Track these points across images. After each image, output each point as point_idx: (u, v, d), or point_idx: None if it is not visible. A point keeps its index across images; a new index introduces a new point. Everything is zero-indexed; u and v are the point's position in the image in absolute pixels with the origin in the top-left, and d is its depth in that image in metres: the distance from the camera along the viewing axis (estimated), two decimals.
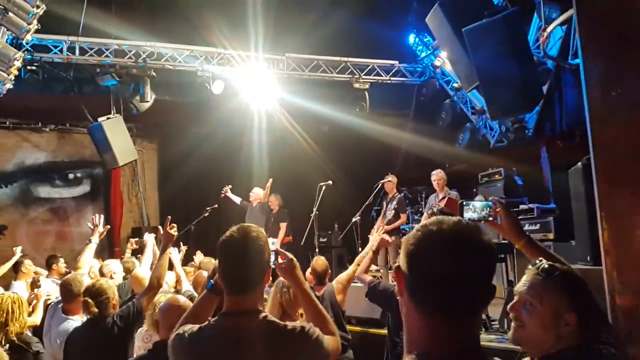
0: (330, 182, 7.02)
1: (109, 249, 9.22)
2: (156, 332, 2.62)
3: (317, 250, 7.31)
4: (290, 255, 2.02)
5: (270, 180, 8.09)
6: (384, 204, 7.20)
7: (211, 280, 1.98)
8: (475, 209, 1.92)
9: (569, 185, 4.67)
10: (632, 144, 2.33)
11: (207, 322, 1.79)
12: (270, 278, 1.99)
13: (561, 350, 1.53)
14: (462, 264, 0.97)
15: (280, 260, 2.00)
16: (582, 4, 2.50)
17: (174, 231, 3.10)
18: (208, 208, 8.24)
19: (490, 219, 1.88)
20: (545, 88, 6.55)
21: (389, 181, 7.08)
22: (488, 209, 1.89)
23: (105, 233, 4.28)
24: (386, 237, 4.01)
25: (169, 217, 3.11)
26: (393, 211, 6.38)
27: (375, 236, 4.17)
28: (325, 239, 8.67)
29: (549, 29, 4.23)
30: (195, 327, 1.78)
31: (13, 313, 3.61)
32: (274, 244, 2.17)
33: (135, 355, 2.91)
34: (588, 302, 1.58)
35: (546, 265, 1.60)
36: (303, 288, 1.97)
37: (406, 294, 1.01)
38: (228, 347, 1.72)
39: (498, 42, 4.17)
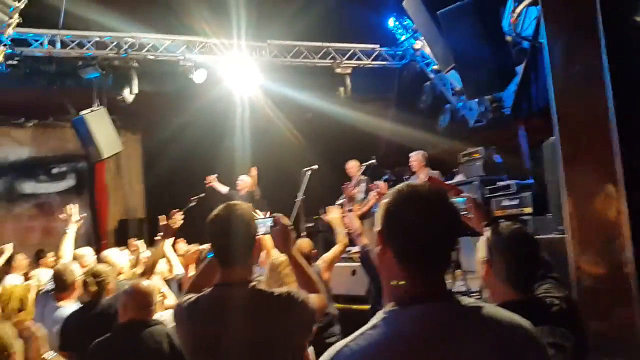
0: (315, 166, 7.13)
1: (96, 242, 9.27)
2: (123, 314, 2.75)
3: (304, 234, 7.46)
4: (287, 221, 2.17)
5: (255, 169, 8.17)
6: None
7: None
8: None
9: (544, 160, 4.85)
10: (592, 115, 2.49)
11: (202, 292, 1.94)
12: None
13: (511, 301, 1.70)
14: (434, 220, 1.14)
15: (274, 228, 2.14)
16: None
17: (176, 225, 3.26)
18: (194, 197, 8.31)
19: (464, 213, 2.04)
20: (521, 68, 6.73)
21: (351, 167, 7.31)
22: (460, 204, 2.06)
23: (81, 221, 4.35)
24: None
25: (174, 210, 3.26)
26: (364, 193, 6.57)
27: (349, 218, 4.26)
28: (312, 224, 8.81)
29: (517, 10, 4.40)
30: (193, 297, 1.95)
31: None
32: (266, 223, 2.31)
33: None
34: (514, 253, 1.73)
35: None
36: (291, 253, 2.14)
37: (387, 250, 1.16)
38: (220, 315, 1.87)
39: (471, 24, 4.32)
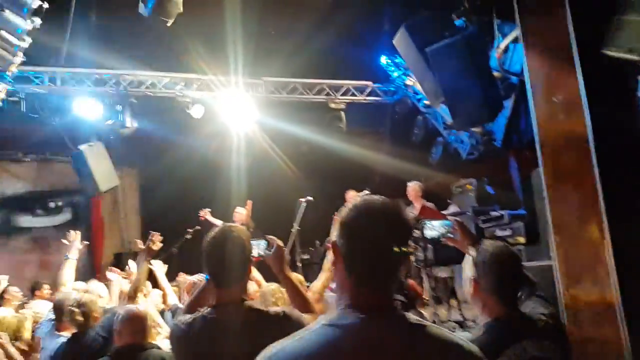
0: (310, 197, 7.20)
1: (91, 275, 9.22)
2: (118, 339, 2.78)
3: (299, 266, 7.48)
4: (280, 243, 2.24)
5: (250, 202, 8.23)
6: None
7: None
8: (434, 227, 2.19)
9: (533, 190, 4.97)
10: (573, 144, 2.61)
11: (198, 313, 1.99)
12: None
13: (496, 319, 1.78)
14: (383, 235, 1.18)
15: (269, 250, 2.21)
16: (526, 26, 2.83)
17: (155, 247, 3.26)
18: (190, 230, 8.32)
19: (450, 235, 2.14)
20: (511, 102, 6.93)
21: (351, 197, 7.40)
22: (446, 227, 2.16)
23: (83, 249, 4.36)
24: None
25: (153, 232, 3.27)
26: None
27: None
28: (307, 256, 8.83)
29: (502, 46, 4.62)
30: (189, 317, 1.99)
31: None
32: (259, 245, 2.36)
33: None
34: (498, 272, 1.81)
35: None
36: (285, 274, 2.20)
37: (339, 260, 1.21)
38: (217, 334, 1.92)
39: (458, 59, 4.51)
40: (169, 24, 5.18)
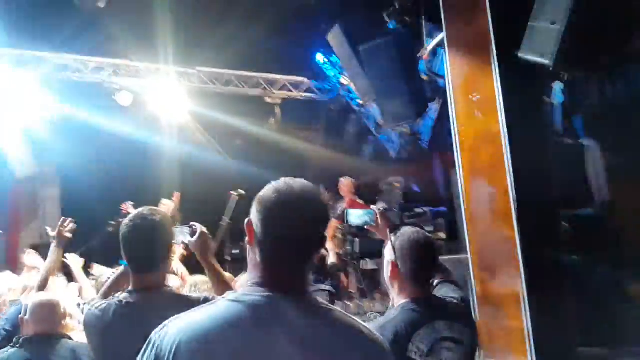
0: (242, 191, 7.14)
1: (7, 267, 8.67)
2: (27, 329, 2.66)
3: (228, 260, 7.42)
4: (204, 229, 2.21)
5: (178, 194, 8.04)
6: None
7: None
8: (358, 216, 2.29)
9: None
10: (488, 139, 2.78)
11: (113, 298, 1.93)
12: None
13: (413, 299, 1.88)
14: (301, 217, 1.18)
15: (192, 237, 2.17)
16: (449, 27, 2.99)
17: (67, 233, 3.15)
18: (112, 222, 8.02)
19: (373, 223, 2.21)
20: (438, 105, 7.22)
21: None
22: (369, 216, 2.25)
23: None
24: None
25: (64, 218, 3.16)
26: None
27: None
28: (237, 251, 8.76)
29: (428, 47, 4.83)
30: (104, 303, 1.92)
31: None
32: (184, 233, 2.28)
33: None
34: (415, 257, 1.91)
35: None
36: (209, 260, 2.16)
37: (254, 239, 1.21)
38: (133, 320, 1.86)
39: (388, 59, 4.67)
40: (102, 5, 4.96)
